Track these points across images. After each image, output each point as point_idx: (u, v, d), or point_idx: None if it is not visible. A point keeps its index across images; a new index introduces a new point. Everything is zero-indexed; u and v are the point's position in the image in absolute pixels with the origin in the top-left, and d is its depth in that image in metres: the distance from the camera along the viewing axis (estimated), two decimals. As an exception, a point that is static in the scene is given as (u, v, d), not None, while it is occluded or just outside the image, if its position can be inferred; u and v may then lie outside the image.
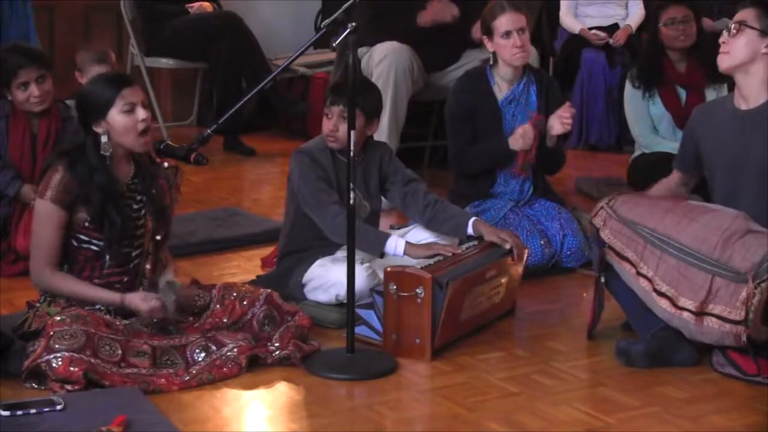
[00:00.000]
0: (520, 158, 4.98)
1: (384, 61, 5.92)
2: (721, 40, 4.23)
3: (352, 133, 3.91)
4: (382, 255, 4.29)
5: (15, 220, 4.93)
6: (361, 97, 4.35)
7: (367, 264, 4.31)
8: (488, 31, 5.07)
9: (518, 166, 5.01)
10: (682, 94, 5.81)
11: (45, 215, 3.91)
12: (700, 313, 3.86)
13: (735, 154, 4.24)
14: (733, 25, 4.22)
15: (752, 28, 4.19)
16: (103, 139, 3.92)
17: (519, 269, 4.48)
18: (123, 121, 3.90)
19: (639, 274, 4.00)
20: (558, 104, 5.03)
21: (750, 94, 4.24)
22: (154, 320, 3.95)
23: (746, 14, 4.23)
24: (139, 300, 3.91)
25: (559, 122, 4.93)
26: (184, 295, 4.01)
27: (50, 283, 3.94)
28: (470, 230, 4.46)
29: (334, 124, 4.42)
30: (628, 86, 5.99)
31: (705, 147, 4.34)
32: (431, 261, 4.23)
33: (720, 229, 3.89)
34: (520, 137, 4.94)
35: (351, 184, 3.92)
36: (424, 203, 4.54)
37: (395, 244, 4.29)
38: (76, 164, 3.90)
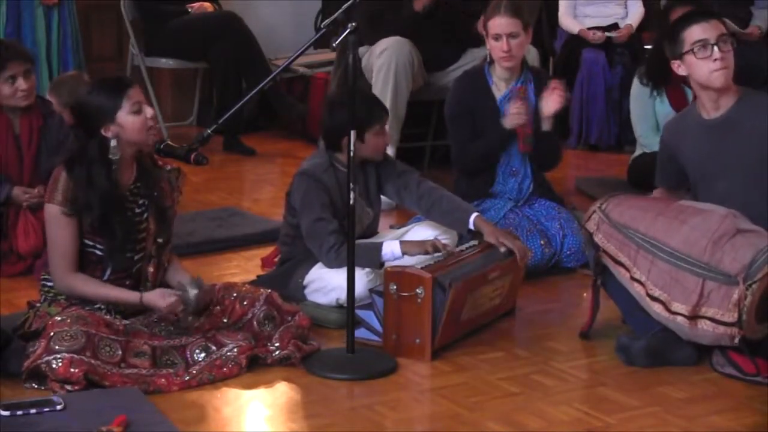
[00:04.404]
0: (520, 134, 4.98)
1: (384, 54, 5.93)
2: (715, 56, 4.14)
3: (353, 133, 3.91)
4: (381, 265, 4.28)
5: (12, 223, 4.91)
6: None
7: (368, 269, 4.31)
8: (485, 29, 5.07)
9: (521, 141, 5.00)
10: (690, 94, 5.79)
11: (56, 219, 3.91)
12: (694, 317, 3.86)
13: (709, 163, 4.23)
14: (729, 40, 4.19)
15: (732, 39, 4.19)
16: (113, 143, 3.92)
17: (521, 271, 4.48)
18: (134, 121, 3.91)
19: (633, 278, 4.00)
20: None
21: (718, 105, 4.23)
22: (173, 317, 3.96)
23: (722, 26, 4.21)
24: (157, 297, 3.92)
25: (552, 99, 4.93)
26: (206, 291, 3.99)
27: (73, 286, 3.94)
28: (471, 226, 4.46)
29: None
30: (635, 83, 5.98)
31: (683, 160, 4.34)
32: (431, 261, 4.23)
33: (709, 231, 3.88)
34: (512, 113, 4.94)
35: (351, 184, 3.93)
36: (418, 194, 4.55)
37: (390, 249, 4.29)
38: (74, 169, 3.90)
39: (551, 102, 4.95)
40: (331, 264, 4.32)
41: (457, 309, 4.11)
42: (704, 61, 4.16)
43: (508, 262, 4.35)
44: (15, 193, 4.89)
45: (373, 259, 4.29)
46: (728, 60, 4.17)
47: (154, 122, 3.97)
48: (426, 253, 4.27)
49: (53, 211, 3.91)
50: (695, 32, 4.18)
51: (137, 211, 4.02)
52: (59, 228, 3.91)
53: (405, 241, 4.35)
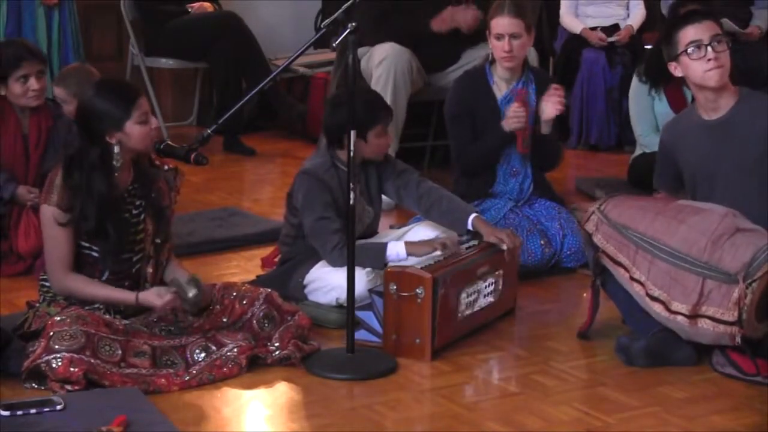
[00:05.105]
0: (519, 136, 4.99)
1: (383, 63, 5.93)
2: (709, 56, 4.15)
3: (353, 133, 3.91)
4: (385, 265, 4.28)
5: (14, 222, 4.91)
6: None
7: (369, 269, 4.31)
8: (488, 29, 5.07)
9: (520, 144, 5.00)
10: (689, 95, 5.78)
11: (52, 221, 3.91)
12: (694, 316, 3.86)
13: (709, 164, 4.24)
14: (724, 40, 4.20)
15: (727, 39, 4.20)
16: (116, 149, 3.92)
17: (514, 264, 4.47)
18: (140, 131, 3.91)
19: (632, 278, 4.00)
20: None
21: (717, 105, 4.23)
22: (171, 316, 3.96)
23: (716, 26, 4.22)
24: (153, 296, 3.92)
25: (550, 104, 4.93)
26: (205, 291, 3.98)
27: (69, 287, 3.94)
28: (470, 227, 4.46)
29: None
30: (634, 81, 5.98)
31: (682, 161, 4.34)
32: (431, 261, 4.23)
33: (708, 230, 3.88)
34: (513, 116, 4.94)
35: (351, 184, 3.93)
36: (417, 194, 4.55)
37: (396, 250, 4.30)
38: (72, 175, 3.89)
39: (550, 106, 4.95)
40: (335, 263, 4.32)
41: (451, 305, 4.11)
42: (698, 61, 4.17)
43: (495, 255, 4.35)
44: (20, 192, 4.90)
45: (378, 259, 4.29)
46: (722, 59, 4.17)
47: (156, 132, 4.00)
48: (434, 250, 4.26)
49: (49, 212, 3.91)
50: (689, 33, 4.20)
51: (134, 212, 4.01)
52: (55, 229, 3.91)
53: (410, 243, 4.34)
